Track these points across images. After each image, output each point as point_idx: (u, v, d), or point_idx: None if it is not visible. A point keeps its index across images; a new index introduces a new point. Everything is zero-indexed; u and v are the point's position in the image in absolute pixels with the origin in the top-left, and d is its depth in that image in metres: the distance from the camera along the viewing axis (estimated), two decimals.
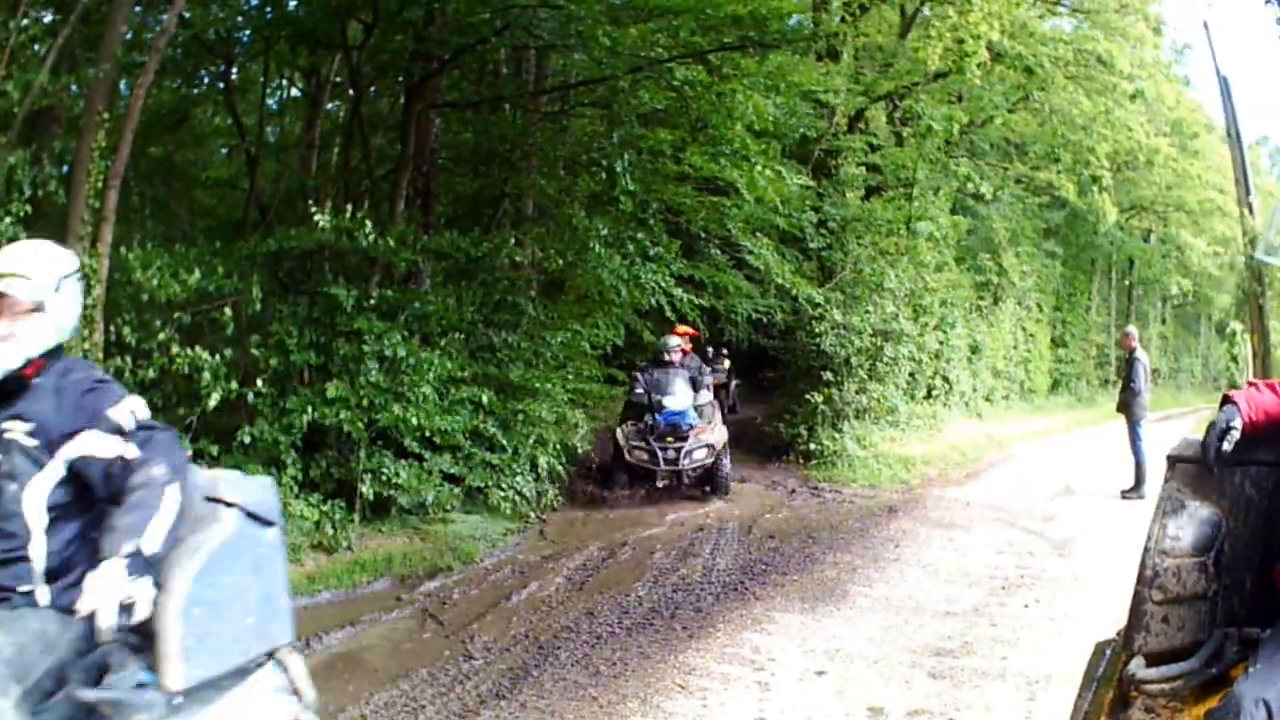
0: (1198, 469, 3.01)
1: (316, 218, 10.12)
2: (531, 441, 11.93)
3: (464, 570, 9.73)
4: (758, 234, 14.63)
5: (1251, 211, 25.85)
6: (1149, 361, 14.43)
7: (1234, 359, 37.64)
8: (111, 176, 9.01)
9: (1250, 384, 3.13)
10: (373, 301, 10.46)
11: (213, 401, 9.33)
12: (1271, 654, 2.57)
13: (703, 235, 15.31)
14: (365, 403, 10.10)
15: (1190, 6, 48.77)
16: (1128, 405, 13.98)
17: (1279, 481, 3.04)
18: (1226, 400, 3.04)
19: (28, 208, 8.70)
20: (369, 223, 10.34)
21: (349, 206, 10.43)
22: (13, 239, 8.57)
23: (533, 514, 11.84)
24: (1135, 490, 13.62)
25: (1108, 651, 3.37)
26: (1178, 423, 25.81)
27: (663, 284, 13.39)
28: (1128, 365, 14.21)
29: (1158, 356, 43.73)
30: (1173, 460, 3.10)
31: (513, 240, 12.05)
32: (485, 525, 11.10)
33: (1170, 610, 2.90)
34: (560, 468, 12.61)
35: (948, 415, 21.09)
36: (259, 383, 9.82)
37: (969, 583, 9.29)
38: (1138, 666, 2.86)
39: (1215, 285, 40.79)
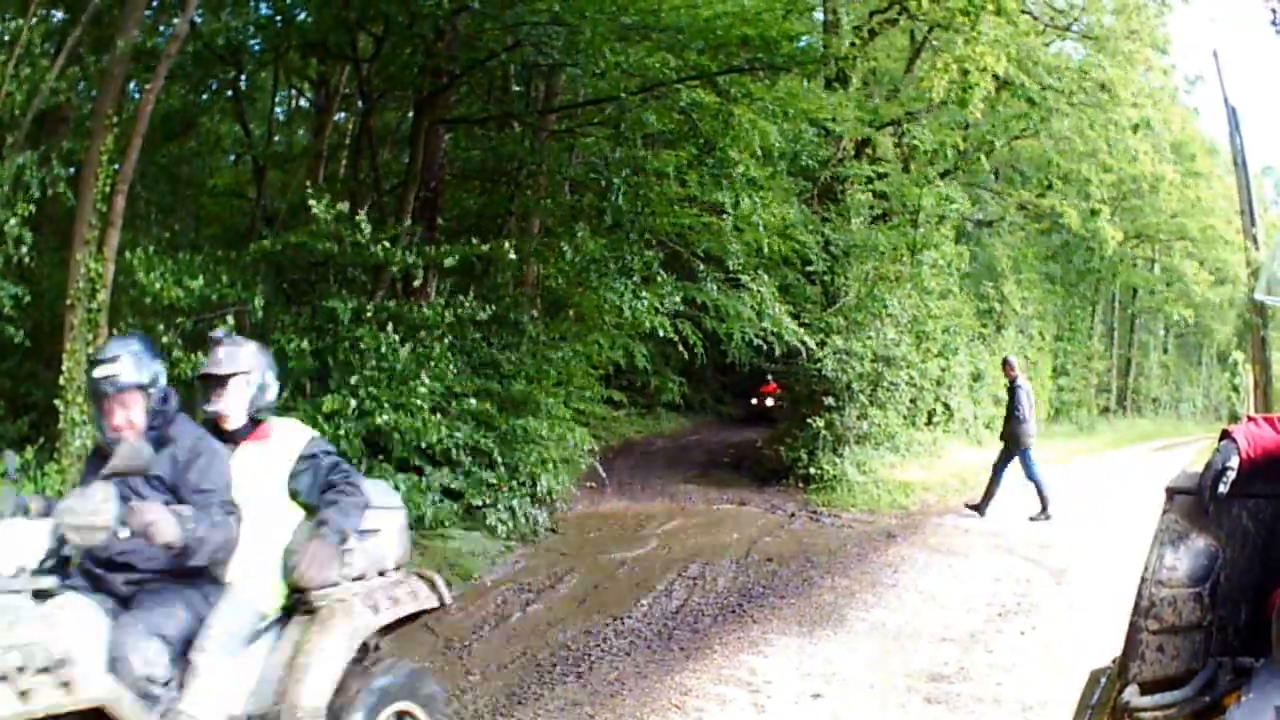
0: (1195, 500, 3.03)
1: (311, 204, 10.03)
2: (532, 460, 11.92)
3: (463, 587, 9.71)
4: (759, 268, 14.54)
5: (1256, 243, 25.89)
6: (1032, 389, 14.68)
7: (1235, 389, 37.66)
8: (120, 181, 9.05)
9: (1249, 419, 3.14)
10: (369, 314, 10.45)
11: None
12: (1264, 683, 2.57)
13: (704, 259, 15.30)
14: (358, 411, 10.10)
15: (1199, 34, 48.62)
16: (1013, 434, 14.17)
17: (1276, 513, 3.05)
18: (1225, 435, 3.05)
19: (31, 208, 8.74)
20: (363, 215, 10.31)
21: (347, 204, 10.38)
22: (19, 239, 8.62)
23: (530, 533, 11.82)
24: (1043, 514, 13.90)
25: (1103, 679, 3.38)
26: (1177, 452, 25.80)
27: (656, 306, 13.20)
28: (1010, 394, 14.35)
29: (1158, 385, 43.75)
30: (1171, 492, 3.11)
31: (512, 253, 11.89)
32: (485, 543, 11.08)
33: (1165, 639, 2.91)
34: (559, 487, 12.59)
35: (948, 442, 21.06)
36: None
37: (966, 609, 9.27)
38: (1132, 694, 2.87)
39: (1217, 315, 40.82)
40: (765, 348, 16.25)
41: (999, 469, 14.30)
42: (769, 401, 26.47)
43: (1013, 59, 15.90)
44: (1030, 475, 14.05)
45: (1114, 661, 3.21)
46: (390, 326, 10.41)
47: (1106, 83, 21.08)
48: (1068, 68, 20.80)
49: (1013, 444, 14.15)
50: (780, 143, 13.45)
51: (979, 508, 14.24)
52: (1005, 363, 14.99)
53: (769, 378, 25.94)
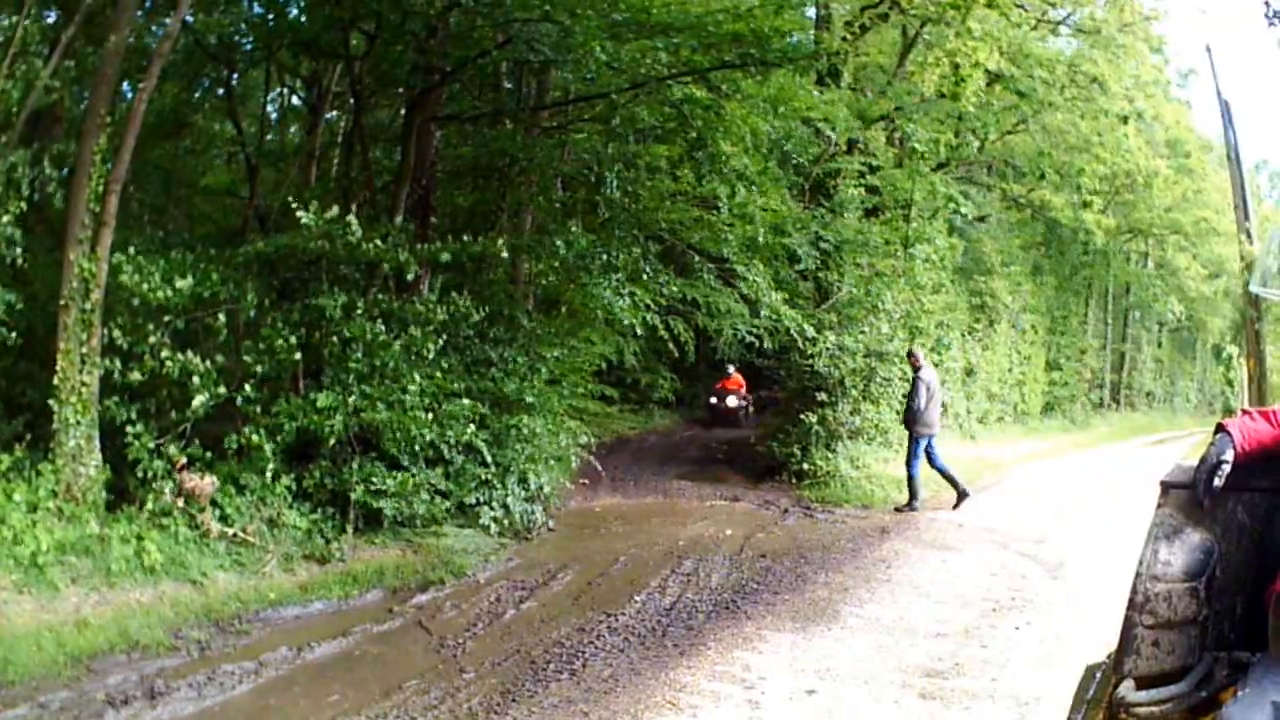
0: (1190, 494, 3.02)
1: (300, 215, 10.02)
2: (525, 458, 11.89)
3: (456, 584, 9.73)
4: (753, 259, 14.54)
5: (1250, 236, 25.92)
6: (936, 380, 14.88)
7: (1230, 383, 37.75)
8: (112, 181, 9.00)
9: (1244, 412, 3.12)
10: (360, 310, 10.41)
11: (196, 403, 9.29)
12: (1261, 678, 2.56)
13: (696, 254, 15.27)
14: (352, 408, 10.07)
15: (1193, 28, 48.90)
16: (910, 422, 14.61)
17: (1272, 508, 3.04)
18: (1220, 429, 3.04)
19: (22, 205, 8.71)
20: (354, 220, 10.27)
21: (335, 207, 10.33)
22: (10, 239, 8.59)
23: (523, 530, 11.80)
24: (909, 505, 14.40)
25: (1098, 674, 3.37)
26: (1172, 446, 25.83)
27: (646, 303, 13.19)
28: (912, 384, 14.72)
29: (1152, 379, 43.79)
30: (1166, 486, 3.10)
31: (504, 251, 11.81)
32: (478, 540, 11.09)
33: (1161, 634, 2.89)
34: (552, 484, 12.56)
35: (941, 437, 21.10)
36: (246, 387, 9.77)
37: (960, 604, 9.29)
38: (1127, 689, 2.86)
39: (1211, 310, 40.87)
40: (756, 344, 16.23)
41: (933, 461, 14.63)
42: (730, 401, 24.34)
43: (1004, 53, 15.89)
44: (909, 464, 14.53)
45: (1109, 656, 3.20)
46: (379, 322, 10.39)
47: (1098, 75, 21.11)
48: (1059, 61, 20.81)
49: (910, 432, 14.59)
50: (771, 134, 13.45)
51: (959, 501, 14.37)
52: (910, 354, 15.33)
53: (730, 370, 24.57)
